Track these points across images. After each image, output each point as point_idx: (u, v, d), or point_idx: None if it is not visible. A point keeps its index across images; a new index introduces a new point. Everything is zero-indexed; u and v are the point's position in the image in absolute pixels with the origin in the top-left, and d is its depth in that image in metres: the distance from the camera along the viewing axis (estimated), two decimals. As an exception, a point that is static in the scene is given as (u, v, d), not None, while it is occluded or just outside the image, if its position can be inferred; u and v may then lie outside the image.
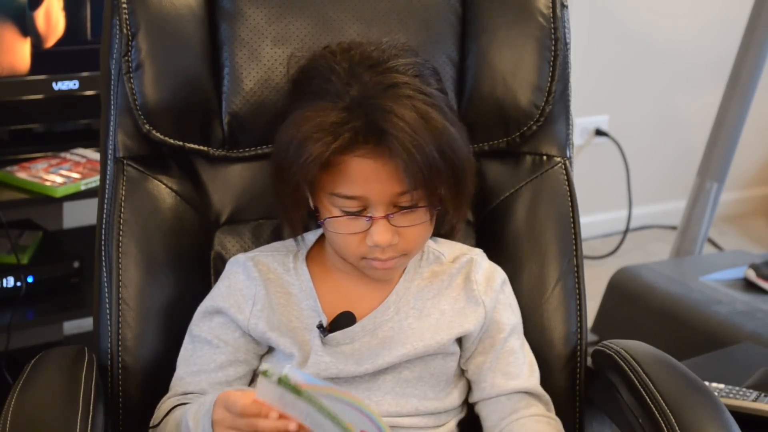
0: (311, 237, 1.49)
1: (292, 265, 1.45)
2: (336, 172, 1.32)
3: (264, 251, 1.49)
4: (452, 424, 1.46)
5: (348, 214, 1.35)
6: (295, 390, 1.19)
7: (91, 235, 1.56)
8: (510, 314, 1.48)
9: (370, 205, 1.34)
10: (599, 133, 3.83)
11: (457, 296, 1.45)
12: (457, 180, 1.36)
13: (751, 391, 1.84)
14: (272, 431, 1.20)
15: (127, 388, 1.48)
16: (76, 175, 2.31)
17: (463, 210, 1.43)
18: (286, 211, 1.42)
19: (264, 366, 1.20)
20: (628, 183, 3.88)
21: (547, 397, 1.48)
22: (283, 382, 1.19)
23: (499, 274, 1.49)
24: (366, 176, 1.32)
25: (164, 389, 1.44)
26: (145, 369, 1.46)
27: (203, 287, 1.48)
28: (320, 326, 1.41)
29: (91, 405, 1.34)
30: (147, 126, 1.51)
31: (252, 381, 1.44)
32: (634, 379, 1.44)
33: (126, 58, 1.50)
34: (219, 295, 1.45)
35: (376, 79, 1.35)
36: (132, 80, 1.50)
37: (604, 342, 1.55)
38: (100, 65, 1.56)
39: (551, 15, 1.60)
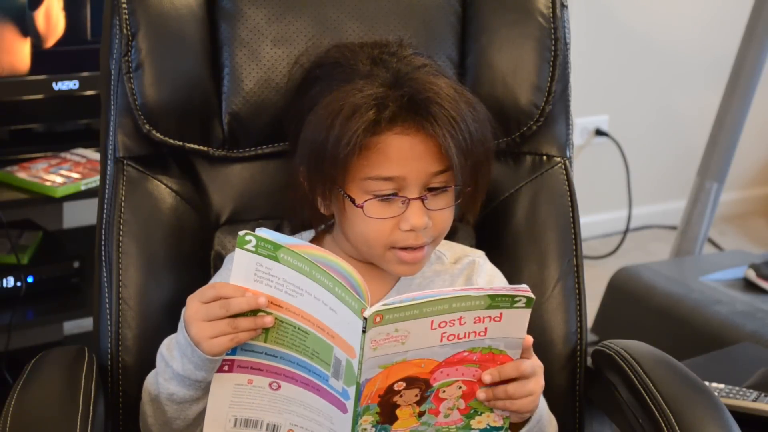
0: (307, 234, 1.49)
1: None
2: (373, 153, 1.31)
3: None
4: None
5: (381, 197, 1.33)
6: (274, 249, 1.21)
7: (91, 235, 1.56)
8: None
9: (405, 186, 1.33)
10: (599, 133, 3.83)
11: (457, 297, 1.45)
12: (488, 156, 1.38)
13: (751, 391, 1.85)
14: (246, 309, 1.23)
15: (127, 388, 1.48)
16: (76, 175, 2.31)
17: (480, 198, 1.42)
18: (309, 206, 1.40)
19: (240, 232, 1.22)
20: (628, 183, 3.88)
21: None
22: (260, 245, 1.21)
23: (500, 280, 1.49)
24: (404, 154, 1.32)
25: (164, 389, 1.44)
26: (145, 369, 1.46)
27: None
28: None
29: (91, 405, 1.34)
30: (147, 126, 1.51)
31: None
32: (634, 379, 1.44)
33: (126, 58, 1.50)
34: None
35: (404, 61, 1.37)
36: (132, 80, 1.50)
37: (604, 342, 1.55)
38: (100, 65, 1.56)
39: (551, 15, 1.60)
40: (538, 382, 1.29)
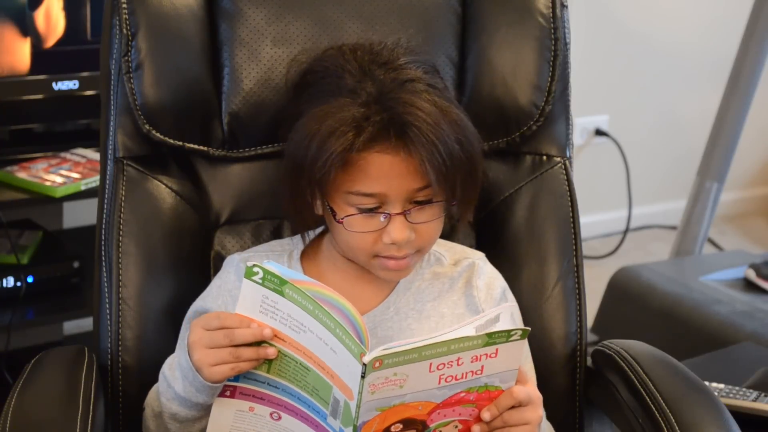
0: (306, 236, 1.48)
1: (286, 265, 1.45)
2: (354, 169, 1.31)
3: (259, 251, 1.48)
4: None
5: (364, 211, 1.34)
6: (280, 284, 1.21)
7: (91, 235, 1.56)
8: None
9: (388, 201, 1.33)
10: (599, 133, 3.83)
11: (456, 300, 1.45)
12: (473, 173, 1.37)
13: (751, 391, 1.85)
14: (250, 340, 1.24)
15: (127, 388, 1.48)
16: (76, 175, 2.31)
17: (471, 207, 1.42)
18: (296, 211, 1.40)
19: (249, 263, 1.22)
20: (628, 183, 3.88)
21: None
22: (267, 278, 1.21)
23: (500, 283, 1.48)
24: (385, 172, 1.32)
25: (164, 389, 1.44)
26: (145, 369, 1.46)
27: (203, 287, 1.48)
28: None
29: (91, 405, 1.35)
30: (147, 126, 1.51)
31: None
32: (634, 379, 1.44)
33: (126, 58, 1.50)
34: (209, 295, 1.45)
35: (391, 76, 1.35)
36: (132, 80, 1.50)
37: (604, 342, 1.55)
38: (100, 65, 1.56)
39: (551, 15, 1.60)
40: (535, 411, 1.28)
